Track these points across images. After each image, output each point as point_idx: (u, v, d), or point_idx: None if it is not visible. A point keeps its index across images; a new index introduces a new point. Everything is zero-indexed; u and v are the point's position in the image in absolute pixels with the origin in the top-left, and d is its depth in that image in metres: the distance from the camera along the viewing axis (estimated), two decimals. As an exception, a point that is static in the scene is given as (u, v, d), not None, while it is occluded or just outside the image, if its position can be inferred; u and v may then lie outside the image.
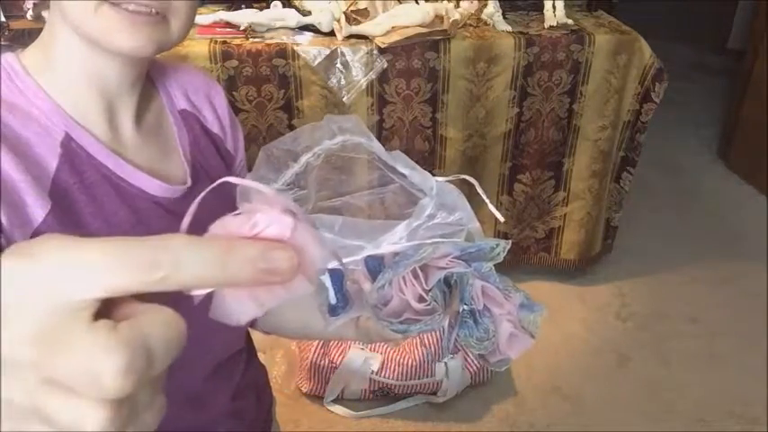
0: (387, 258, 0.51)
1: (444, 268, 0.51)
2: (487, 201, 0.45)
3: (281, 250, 0.25)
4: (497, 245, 0.51)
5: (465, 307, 0.53)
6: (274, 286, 0.25)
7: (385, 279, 0.51)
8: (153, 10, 0.56)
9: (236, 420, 0.78)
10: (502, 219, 0.49)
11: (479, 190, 0.43)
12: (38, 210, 0.54)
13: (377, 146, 0.41)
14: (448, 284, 0.53)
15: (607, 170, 2.14)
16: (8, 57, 0.60)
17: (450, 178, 0.44)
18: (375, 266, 0.51)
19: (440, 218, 0.43)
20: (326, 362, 1.76)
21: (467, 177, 0.44)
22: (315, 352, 1.78)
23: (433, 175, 0.45)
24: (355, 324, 0.65)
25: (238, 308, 0.26)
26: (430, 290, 0.51)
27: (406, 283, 0.51)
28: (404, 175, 0.43)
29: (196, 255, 0.23)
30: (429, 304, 0.52)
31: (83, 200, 0.58)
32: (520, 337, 0.54)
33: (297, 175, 0.39)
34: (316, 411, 1.79)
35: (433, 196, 0.43)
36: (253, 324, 0.83)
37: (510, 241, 0.51)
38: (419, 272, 0.51)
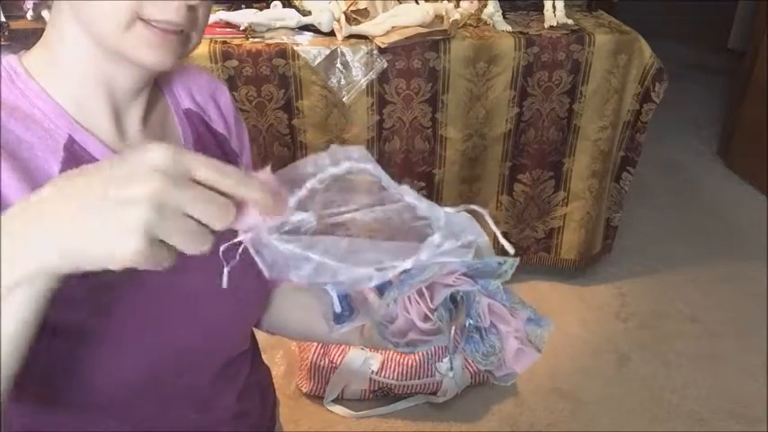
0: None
1: (451, 286, 0.51)
2: (498, 233, 0.47)
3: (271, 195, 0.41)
4: (504, 261, 0.51)
5: (470, 322, 0.53)
6: (266, 215, 0.41)
7: (390, 298, 0.51)
8: (181, 28, 0.57)
9: (241, 421, 0.77)
10: (512, 250, 0.50)
11: (490, 223, 0.44)
12: None
13: (383, 176, 0.41)
14: (454, 300, 0.53)
15: (607, 170, 2.14)
16: (9, 59, 0.60)
17: (459, 209, 0.44)
18: None
19: (448, 245, 0.44)
20: (326, 362, 1.77)
21: (475, 208, 0.44)
22: (315, 352, 1.78)
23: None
24: (360, 331, 0.65)
25: (252, 220, 0.41)
26: (435, 309, 0.51)
27: (411, 302, 0.51)
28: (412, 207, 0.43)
29: (245, 175, 0.40)
30: (434, 324, 0.51)
31: None
32: (526, 351, 0.54)
33: (300, 200, 0.41)
34: (316, 411, 1.79)
35: (441, 227, 0.43)
36: (258, 324, 0.83)
37: (518, 258, 0.51)
38: (424, 290, 0.51)
